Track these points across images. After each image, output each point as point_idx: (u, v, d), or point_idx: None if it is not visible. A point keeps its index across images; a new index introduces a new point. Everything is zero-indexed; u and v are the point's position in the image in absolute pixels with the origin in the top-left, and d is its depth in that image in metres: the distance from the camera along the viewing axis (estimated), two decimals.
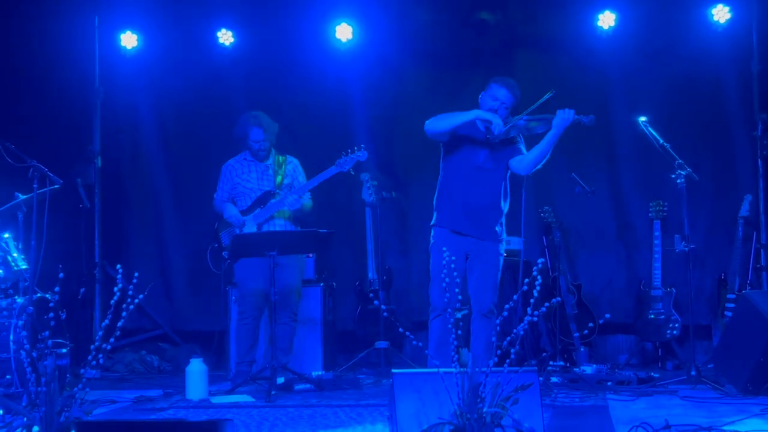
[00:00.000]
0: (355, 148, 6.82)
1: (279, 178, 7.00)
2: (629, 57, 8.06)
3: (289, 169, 7.07)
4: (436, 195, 6.13)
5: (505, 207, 6.08)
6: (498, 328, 3.92)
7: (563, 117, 5.79)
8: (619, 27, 8.00)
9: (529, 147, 6.10)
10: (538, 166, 6.01)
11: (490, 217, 5.98)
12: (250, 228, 6.92)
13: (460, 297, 3.97)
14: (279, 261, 6.62)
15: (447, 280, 3.97)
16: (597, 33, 8.07)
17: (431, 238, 6.11)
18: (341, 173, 6.86)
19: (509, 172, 6.09)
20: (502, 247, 6.08)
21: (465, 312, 6.12)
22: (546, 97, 5.88)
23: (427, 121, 5.96)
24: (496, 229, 5.99)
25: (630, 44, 8.03)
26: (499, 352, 3.81)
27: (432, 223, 6.11)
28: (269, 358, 6.46)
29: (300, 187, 6.97)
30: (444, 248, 4.57)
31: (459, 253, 5.82)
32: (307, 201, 7.00)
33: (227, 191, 7.08)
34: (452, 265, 4.04)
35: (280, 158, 7.09)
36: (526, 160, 5.99)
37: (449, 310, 4.01)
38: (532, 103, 5.95)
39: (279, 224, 6.96)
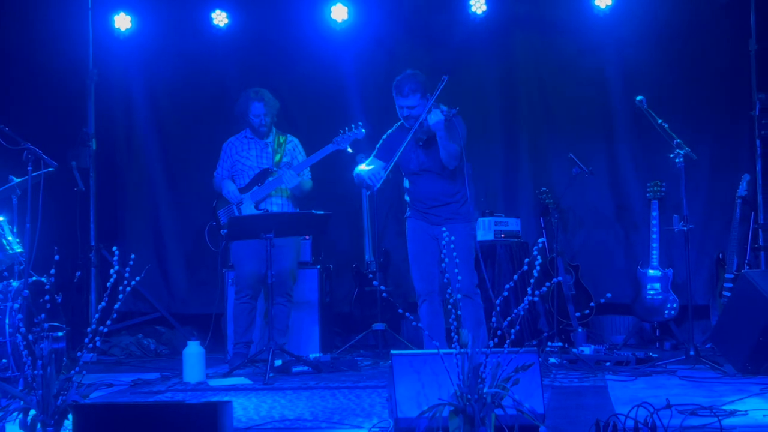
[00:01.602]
0: (353, 126, 6.82)
1: (278, 157, 6.98)
2: (627, 36, 8.02)
3: (288, 148, 7.06)
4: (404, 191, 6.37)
5: (462, 191, 6.17)
6: (498, 308, 3.90)
7: (432, 121, 5.89)
8: (616, 6, 7.96)
9: None
10: (455, 161, 6.03)
11: (447, 202, 6.16)
12: (248, 205, 6.92)
13: (445, 280, 4.00)
14: (275, 242, 6.62)
15: (446, 261, 3.95)
16: (594, 12, 8.02)
17: (406, 227, 6.33)
18: (339, 151, 6.85)
19: None
20: (472, 227, 6.22)
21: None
22: (441, 86, 5.92)
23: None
24: (460, 211, 6.14)
25: (627, 24, 7.99)
26: (499, 332, 3.79)
27: (406, 214, 6.36)
28: (266, 340, 6.45)
29: (298, 164, 6.95)
30: (445, 231, 4.54)
31: (428, 236, 6.10)
32: (306, 179, 7.00)
33: (227, 169, 7.08)
34: (444, 250, 4.03)
35: (281, 137, 7.08)
36: (442, 157, 6.04)
37: (448, 290, 4.00)
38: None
39: (277, 203, 6.95)
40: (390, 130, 6.33)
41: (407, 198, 6.36)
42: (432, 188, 6.16)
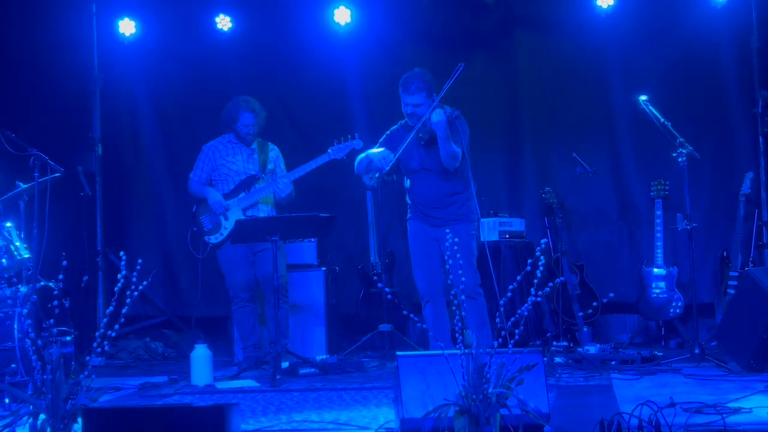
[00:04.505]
0: (349, 136, 6.81)
1: (263, 163, 6.98)
2: (629, 36, 8.03)
3: (272, 156, 7.08)
4: (406, 192, 6.35)
5: (464, 190, 6.19)
6: (502, 309, 3.93)
7: (434, 121, 5.88)
8: (618, 6, 7.96)
9: None
10: (455, 162, 6.02)
11: (449, 203, 6.17)
12: (235, 212, 6.91)
13: (449, 282, 4.02)
14: (262, 247, 6.66)
15: (450, 264, 3.97)
16: (596, 12, 8.03)
17: (408, 230, 6.36)
18: (335, 161, 6.85)
19: None
20: (473, 227, 6.23)
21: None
22: (456, 73, 5.89)
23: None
24: (461, 211, 6.12)
25: (629, 23, 8.00)
26: (504, 332, 3.81)
27: (407, 216, 6.38)
28: (271, 343, 6.49)
29: (292, 172, 6.94)
30: (449, 233, 4.57)
31: (431, 239, 6.12)
32: (292, 188, 6.99)
33: (207, 172, 7.05)
34: (449, 252, 4.05)
35: (263, 145, 7.08)
36: (441, 158, 6.04)
37: (452, 291, 4.02)
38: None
39: (264, 210, 6.96)
40: (394, 127, 6.34)
41: (408, 199, 6.38)
42: (432, 188, 6.17)
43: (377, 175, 6.15)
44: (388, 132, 6.35)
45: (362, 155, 6.28)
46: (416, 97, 6.05)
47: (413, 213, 6.32)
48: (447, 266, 5.93)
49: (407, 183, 6.35)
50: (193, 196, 7.11)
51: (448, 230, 5.62)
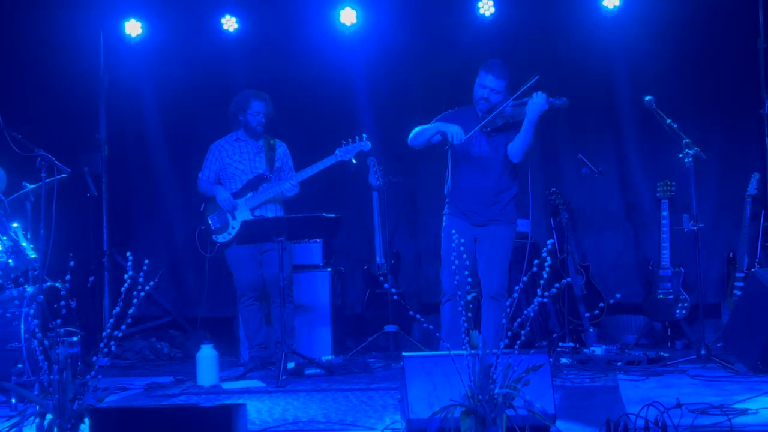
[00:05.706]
0: (357, 137, 6.78)
1: (271, 161, 6.97)
2: (635, 36, 8.02)
3: (279, 153, 7.05)
4: (446, 184, 6.17)
5: (511, 188, 6.08)
6: (509, 310, 3.92)
7: (535, 102, 5.69)
8: (623, 7, 7.96)
9: None
10: (524, 152, 5.92)
11: (494, 201, 6.02)
12: (243, 212, 6.90)
13: (470, 279, 3.98)
14: (270, 246, 6.66)
15: (456, 262, 3.97)
16: (602, 13, 8.03)
17: (443, 224, 6.16)
18: (342, 162, 6.83)
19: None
20: (512, 229, 6.08)
21: (474, 295, 6.14)
22: (532, 81, 5.79)
23: (408, 139, 6.07)
24: (504, 211, 6.00)
25: (635, 24, 7.99)
26: (509, 333, 3.81)
27: (444, 211, 6.17)
28: (276, 343, 6.50)
29: (299, 173, 6.93)
30: (453, 231, 4.56)
31: (468, 237, 5.86)
32: (298, 189, 6.98)
33: (215, 171, 7.04)
34: (461, 248, 4.04)
35: (271, 141, 7.06)
36: (514, 147, 5.92)
37: (459, 293, 4.01)
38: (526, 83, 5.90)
39: (272, 210, 6.95)
40: (451, 110, 6.11)
41: (447, 193, 6.15)
42: (480, 182, 5.98)
43: (447, 146, 5.88)
44: (445, 113, 6.09)
45: (424, 127, 5.97)
46: (499, 82, 5.85)
47: (452, 209, 6.10)
48: (478, 265, 5.91)
49: (450, 174, 6.11)
50: (203, 195, 7.10)
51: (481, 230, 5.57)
